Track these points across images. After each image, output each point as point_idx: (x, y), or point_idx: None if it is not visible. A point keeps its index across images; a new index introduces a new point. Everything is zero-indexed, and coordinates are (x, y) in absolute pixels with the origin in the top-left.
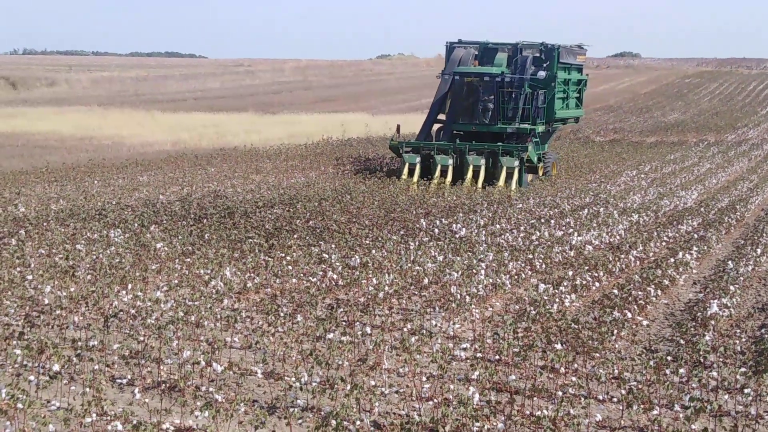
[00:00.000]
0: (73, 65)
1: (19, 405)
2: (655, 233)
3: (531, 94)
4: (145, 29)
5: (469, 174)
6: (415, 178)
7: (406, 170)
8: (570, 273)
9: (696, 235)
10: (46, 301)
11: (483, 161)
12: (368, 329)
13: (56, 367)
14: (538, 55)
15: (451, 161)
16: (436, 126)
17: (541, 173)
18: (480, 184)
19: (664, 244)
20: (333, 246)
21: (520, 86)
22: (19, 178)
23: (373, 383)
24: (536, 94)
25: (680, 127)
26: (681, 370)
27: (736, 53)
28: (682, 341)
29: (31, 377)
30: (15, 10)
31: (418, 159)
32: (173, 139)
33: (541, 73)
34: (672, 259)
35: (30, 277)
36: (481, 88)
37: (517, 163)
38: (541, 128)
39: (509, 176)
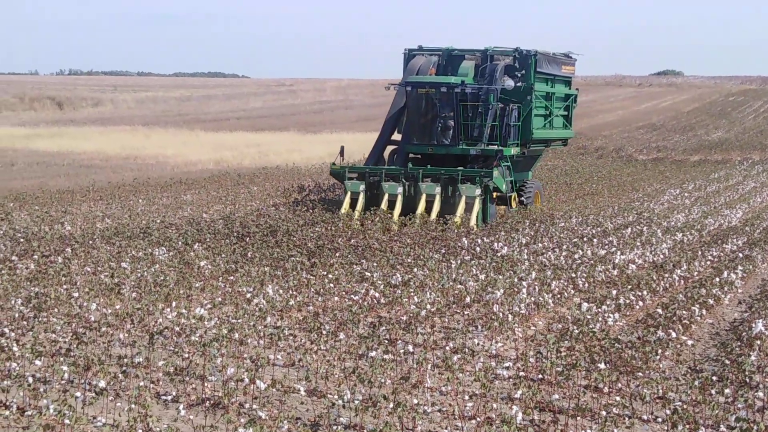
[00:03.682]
0: (118, 85)
1: (66, 421)
2: (700, 252)
3: (502, 109)
4: (188, 50)
5: (422, 205)
6: (357, 210)
7: (347, 201)
8: (613, 292)
9: (741, 254)
10: (93, 319)
11: (438, 189)
12: (410, 347)
13: (102, 384)
14: (511, 62)
15: (400, 189)
16: (391, 148)
17: (514, 205)
18: (434, 218)
19: (708, 263)
20: (374, 264)
21: (487, 99)
22: (65, 196)
23: (415, 401)
24: (508, 109)
25: (724, 145)
26: (726, 390)
27: None
28: (727, 361)
29: (78, 393)
30: (62, 31)
31: (362, 187)
32: (216, 158)
33: (510, 83)
34: (717, 279)
35: (76, 295)
36: (439, 101)
37: (478, 191)
38: (513, 150)
39: (469, 207)
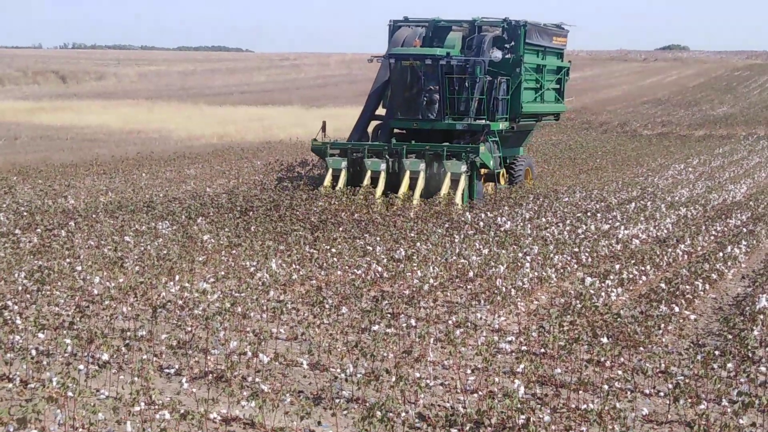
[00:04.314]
0: (122, 59)
1: (69, 393)
2: (703, 227)
3: (490, 82)
4: (192, 24)
5: (405, 182)
6: (339, 186)
7: (329, 178)
8: (616, 267)
9: (745, 229)
10: (96, 292)
11: (423, 166)
12: (413, 321)
13: (105, 357)
14: (499, 34)
15: (383, 166)
16: (375, 124)
17: (503, 182)
18: (418, 194)
19: (712, 238)
20: (377, 239)
21: (474, 71)
22: (68, 170)
23: (417, 375)
24: (496, 82)
25: (729, 120)
26: (729, 365)
27: None
28: (730, 336)
29: (81, 366)
30: (66, 4)
31: (344, 164)
32: (220, 132)
33: (497, 55)
34: (720, 253)
35: (79, 268)
36: (424, 74)
37: (464, 168)
38: (502, 125)
39: (454, 184)
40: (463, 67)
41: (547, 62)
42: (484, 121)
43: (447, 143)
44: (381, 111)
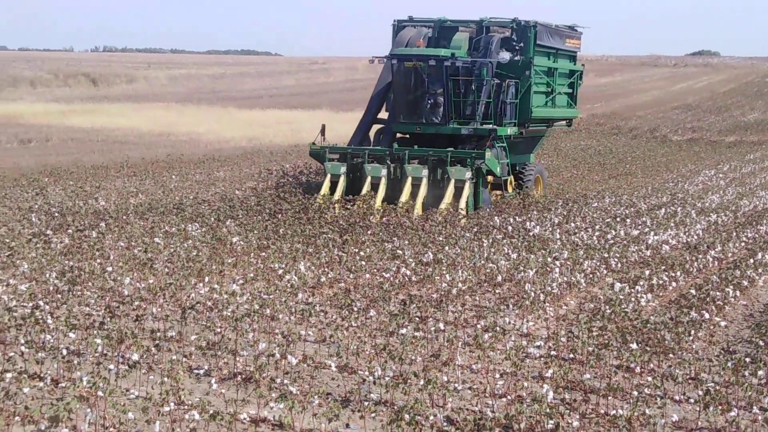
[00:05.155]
0: (152, 63)
1: (100, 393)
2: (734, 233)
3: (498, 85)
4: (222, 27)
5: (407, 189)
6: (337, 194)
7: (326, 184)
8: (646, 272)
9: None
10: (126, 293)
11: (426, 172)
12: (441, 325)
13: (135, 357)
14: (508, 35)
15: (384, 172)
16: (377, 128)
17: (510, 191)
18: (420, 203)
19: (743, 244)
20: (406, 242)
21: (480, 73)
22: (99, 172)
23: (446, 379)
24: (504, 85)
25: (760, 126)
26: (760, 372)
27: None
28: (761, 342)
29: (111, 366)
30: (96, 8)
31: (343, 169)
32: (249, 135)
33: (505, 56)
34: (751, 260)
35: (110, 269)
36: (428, 76)
37: (469, 174)
38: (510, 130)
39: (458, 192)
40: (469, 69)
41: (559, 65)
42: (491, 125)
43: (451, 148)
44: (384, 114)
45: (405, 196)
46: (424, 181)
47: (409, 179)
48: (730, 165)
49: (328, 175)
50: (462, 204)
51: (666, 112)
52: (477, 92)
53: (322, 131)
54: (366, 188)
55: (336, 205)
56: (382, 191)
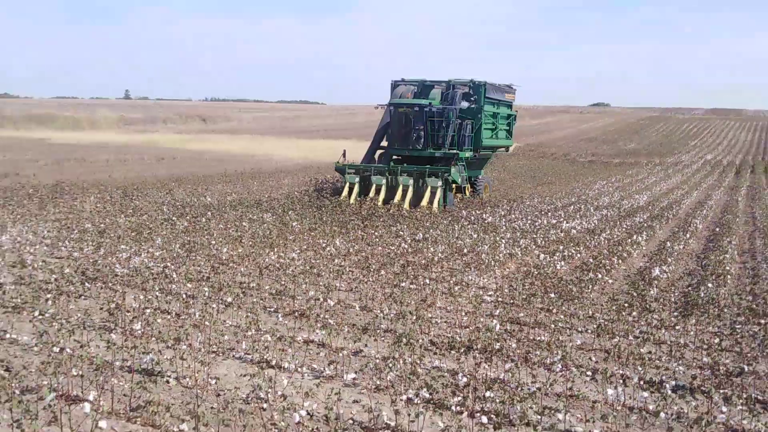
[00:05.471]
0: (242, 108)
1: (206, 322)
2: (618, 222)
3: (459, 123)
4: (288, 84)
5: (399, 192)
6: (353, 195)
7: (346, 189)
8: (561, 247)
9: (645, 225)
10: (224, 258)
11: (411, 181)
12: (427, 281)
13: (229, 299)
14: (467, 90)
15: (384, 181)
16: (380, 152)
17: (468, 194)
18: (408, 202)
19: (623, 230)
20: (405, 226)
21: (448, 116)
22: (206, 179)
23: (430, 316)
24: (464, 123)
25: (636, 152)
26: (634, 313)
27: (676, 103)
28: (634, 293)
29: (214, 305)
30: (206, 70)
31: (357, 179)
32: (303, 156)
33: (464, 104)
34: (629, 240)
35: (213, 243)
36: (414, 117)
37: (440, 183)
38: (468, 154)
39: (433, 195)
40: (441, 113)
41: (501, 111)
42: (455, 151)
43: (429, 166)
44: (384, 143)
45: (398, 197)
46: (411, 187)
47: (401, 186)
48: (616, 177)
49: (347, 183)
50: (435, 203)
51: (575, 143)
52: (446, 129)
53: (344, 154)
54: (372, 192)
55: (352, 203)
56: (382, 194)
